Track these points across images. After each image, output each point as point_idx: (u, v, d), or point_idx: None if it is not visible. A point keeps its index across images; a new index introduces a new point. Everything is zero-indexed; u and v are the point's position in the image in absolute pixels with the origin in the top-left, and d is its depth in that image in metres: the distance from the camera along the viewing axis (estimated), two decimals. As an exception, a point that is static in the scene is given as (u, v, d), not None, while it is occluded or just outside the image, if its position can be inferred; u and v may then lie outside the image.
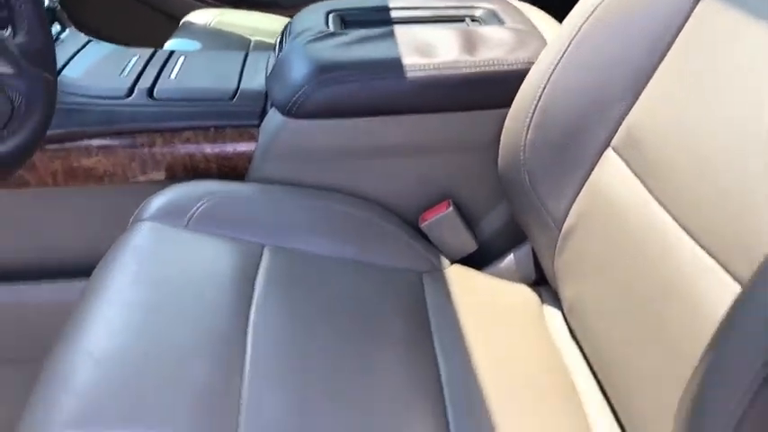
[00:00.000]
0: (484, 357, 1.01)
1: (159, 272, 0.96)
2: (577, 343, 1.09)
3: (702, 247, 0.80)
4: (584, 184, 1.07)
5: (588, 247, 1.04)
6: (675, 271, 0.83)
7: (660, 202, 0.90)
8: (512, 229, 1.27)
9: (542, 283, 1.23)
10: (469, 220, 1.27)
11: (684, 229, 0.84)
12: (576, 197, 1.08)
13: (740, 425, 0.57)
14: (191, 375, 0.81)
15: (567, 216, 1.09)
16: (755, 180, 0.76)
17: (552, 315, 1.16)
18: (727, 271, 0.74)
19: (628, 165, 0.99)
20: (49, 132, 1.16)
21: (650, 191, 0.92)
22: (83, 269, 1.11)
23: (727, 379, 0.59)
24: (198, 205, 1.11)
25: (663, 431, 0.74)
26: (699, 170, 0.84)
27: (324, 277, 1.07)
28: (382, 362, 0.93)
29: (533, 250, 1.23)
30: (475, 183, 1.25)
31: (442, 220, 1.23)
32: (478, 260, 1.26)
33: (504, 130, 1.15)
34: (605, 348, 0.98)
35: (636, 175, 0.97)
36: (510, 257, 1.25)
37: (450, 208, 1.23)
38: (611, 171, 1.03)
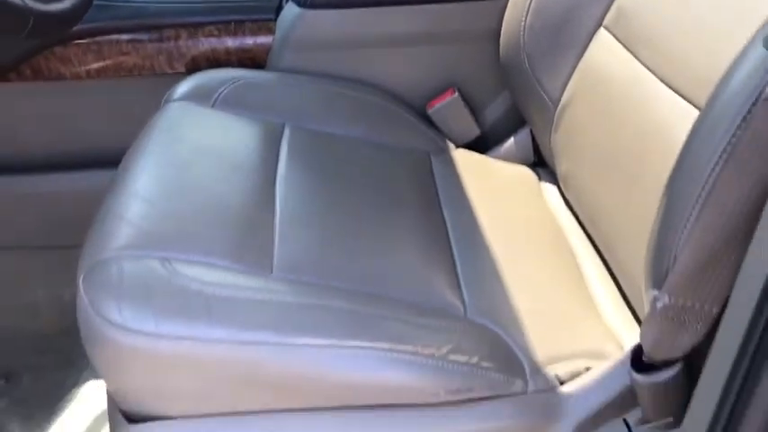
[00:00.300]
0: (486, 218, 1.11)
1: (193, 138, 1.06)
2: (571, 209, 1.20)
3: (681, 95, 0.89)
4: (578, 63, 1.16)
5: (581, 119, 1.14)
6: (656, 121, 0.93)
7: (646, 66, 0.99)
8: (512, 116, 1.37)
9: (540, 164, 1.33)
10: (473, 109, 1.37)
11: (666, 83, 0.93)
12: (571, 75, 1.17)
13: (702, 211, 0.68)
14: (229, 212, 0.92)
15: (562, 94, 1.18)
16: (726, 33, 0.86)
17: (549, 189, 1.26)
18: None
19: (618, 39, 1.09)
20: (82, 27, 1.27)
21: (637, 57, 1.01)
22: (114, 158, 1.21)
23: (689, 172, 0.69)
24: (223, 88, 1.21)
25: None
26: (681, 33, 0.94)
27: (341, 151, 1.16)
28: (396, 216, 1.04)
29: (532, 134, 1.33)
30: (479, 72, 1.35)
31: (447, 106, 1.33)
32: (481, 145, 1.36)
33: (505, 17, 1.24)
34: (594, 206, 1.08)
35: (625, 47, 1.06)
36: (510, 141, 1.35)
37: (456, 94, 1.33)
38: (604, 47, 1.12)
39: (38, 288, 1.49)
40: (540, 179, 1.29)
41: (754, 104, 0.63)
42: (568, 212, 1.20)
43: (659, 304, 0.73)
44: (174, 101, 1.18)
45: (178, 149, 1.03)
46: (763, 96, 0.62)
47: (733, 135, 0.65)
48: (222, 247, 0.86)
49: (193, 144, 1.05)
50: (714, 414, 0.67)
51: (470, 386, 0.81)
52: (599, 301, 1.01)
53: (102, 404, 1.29)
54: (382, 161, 1.18)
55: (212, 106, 1.18)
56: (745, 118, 0.64)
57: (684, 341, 0.75)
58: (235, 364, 0.75)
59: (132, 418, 0.81)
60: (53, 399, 1.33)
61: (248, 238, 0.89)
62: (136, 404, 0.80)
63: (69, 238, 1.42)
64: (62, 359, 1.42)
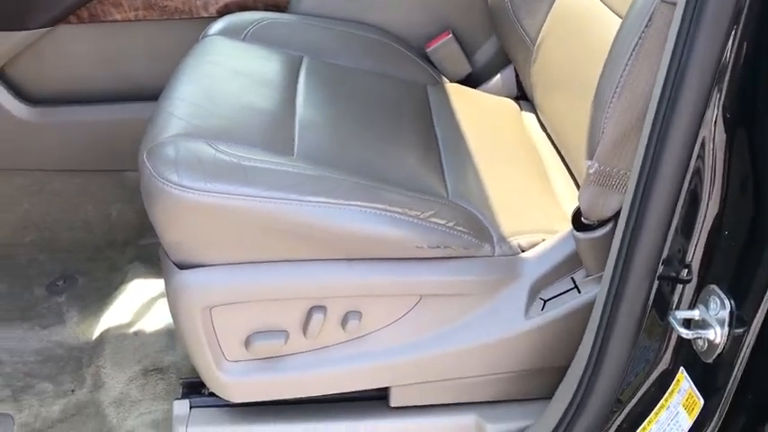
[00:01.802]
0: (470, 134, 1.32)
1: (227, 62, 1.28)
2: (545, 132, 1.41)
3: (619, 16, 1.09)
4: (552, 5, 1.37)
5: (553, 53, 1.35)
6: (606, 43, 1.13)
7: (604, 3, 1.19)
8: (500, 57, 1.58)
9: (523, 98, 1.54)
10: (466, 50, 1.58)
11: (613, 11, 1.14)
12: (546, 16, 1.38)
13: (622, 92, 0.89)
14: (259, 114, 1.14)
15: (539, 33, 1.39)
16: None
17: (528, 117, 1.48)
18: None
19: (583, -17, 1.29)
20: (131, -24, 1.49)
21: (598, -2, 1.22)
22: (157, 91, 1.41)
23: (613, 64, 0.90)
24: (251, 26, 1.43)
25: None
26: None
27: (351, 78, 1.38)
28: (395, 128, 1.25)
29: (516, 71, 1.54)
30: (471, 17, 1.56)
31: (443, 46, 1.54)
32: (472, 81, 1.58)
33: (492, -32, 1.45)
34: (561, 123, 1.29)
35: (589, -11, 1.27)
36: (497, 77, 1.56)
37: (451, 35, 1.54)
38: (573, -9, 1.33)
39: (90, 206, 1.72)
40: (521, 109, 1.50)
41: (655, 8, 0.84)
42: (543, 134, 1.41)
43: (591, 170, 0.94)
44: (210, 36, 1.41)
45: (215, 69, 1.25)
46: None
47: (642, 32, 0.86)
48: (255, 138, 1.08)
49: (227, 66, 1.27)
50: (616, 259, 0.88)
51: (448, 243, 1.03)
52: (559, 194, 1.22)
53: (143, 297, 1.54)
54: (386, 88, 1.39)
55: (242, 40, 1.40)
56: (650, 19, 0.85)
57: (612, 203, 0.96)
58: (264, 215, 0.97)
59: (181, 266, 1.04)
60: (103, 294, 1.57)
61: (275, 133, 1.12)
62: (185, 254, 1.03)
63: (117, 162, 1.66)
64: (109, 265, 1.66)
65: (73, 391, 1.36)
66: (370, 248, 1.02)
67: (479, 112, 1.44)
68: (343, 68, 1.41)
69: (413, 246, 1.02)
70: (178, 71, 1.26)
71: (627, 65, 0.88)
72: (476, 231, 1.07)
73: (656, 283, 0.87)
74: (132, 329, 1.46)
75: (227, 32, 1.41)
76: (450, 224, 1.04)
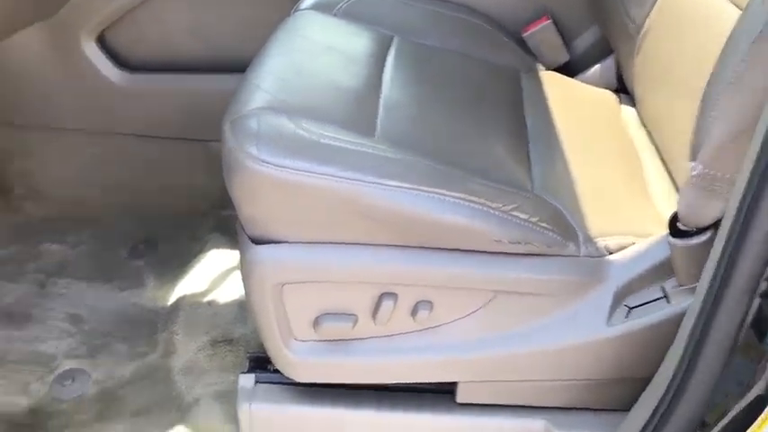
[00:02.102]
0: (562, 125, 1.26)
1: (317, 37, 1.26)
2: (644, 128, 1.33)
3: (739, 8, 1.00)
4: (662, -7, 1.28)
5: (659, 43, 1.26)
6: (720, 37, 1.04)
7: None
8: (600, 46, 1.50)
9: (623, 91, 1.46)
10: (565, 37, 1.50)
11: (737, 5, 1.05)
12: (655, 4, 1.29)
13: (736, 89, 0.81)
14: (345, 91, 1.11)
15: (645, 22, 1.31)
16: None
17: (627, 111, 1.39)
18: None
19: (698, -31, 1.20)
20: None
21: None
22: (247, 64, 1.41)
23: (729, 56, 0.82)
24: (343, 2, 1.40)
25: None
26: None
27: (442, 61, 1.33)
28: (483, 113, 1.20)
29: (616, 61, 1.46)
30: (571, 2, 1.48)
31: (541, 31, 1.47)
32: (569, 70, 1.50)
33: (599, -50, 1.37)
34: (662, 121, 1.21)
35: (704, -26, 1.17)
36: (596, 67, 1.48)
37: (549, 21, 1.47)
38: (685, -23, 1.23)
39: (175, 174, 1.75)
40: (620, 102, 1.42)
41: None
42: (642, 130, 1.33)
43: (693, 173, 0.87)
44: (302, 10, 1.39)
45: (305, 44, 1.23)
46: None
47: (764, 26, 0.78)
48: (338, 116, 1.06)
49: (317, 41, 1.25)
50: (713, 271, 0.81)
51: (529, 240, 0.98)
52: (654, 195, 1.15)
53: (219, 267, 1.55)
54: (477, 72, 1.34)
55: (334, 15, 1.38)
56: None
57: (714, 209, 0.88)
58: (340, 195, 0.95)
59: (256, 241, 1.03)
60: (182, 262, 1.59)
61: (358, 113, 1.09)
62: (260, 229, 1.01)
63: (204, 132, 1.67)
64: (190, 234, 1.68)
65: (146, 354, 1.39)
66: (446, 238, 0.98)
67: (574, 103, 1.36)
68: (434, 50, 1.36)
69: (491, 239, 0.97)
70: (268, 44, 1.25)
71: (743, 61, 0.80)
72: (560, 229, 1.01)
73: (757, 300, 0.79)
74: (206, 299, 1.48)
75: (319, 7, 1.39)
76: (534, 219, 0.99)
